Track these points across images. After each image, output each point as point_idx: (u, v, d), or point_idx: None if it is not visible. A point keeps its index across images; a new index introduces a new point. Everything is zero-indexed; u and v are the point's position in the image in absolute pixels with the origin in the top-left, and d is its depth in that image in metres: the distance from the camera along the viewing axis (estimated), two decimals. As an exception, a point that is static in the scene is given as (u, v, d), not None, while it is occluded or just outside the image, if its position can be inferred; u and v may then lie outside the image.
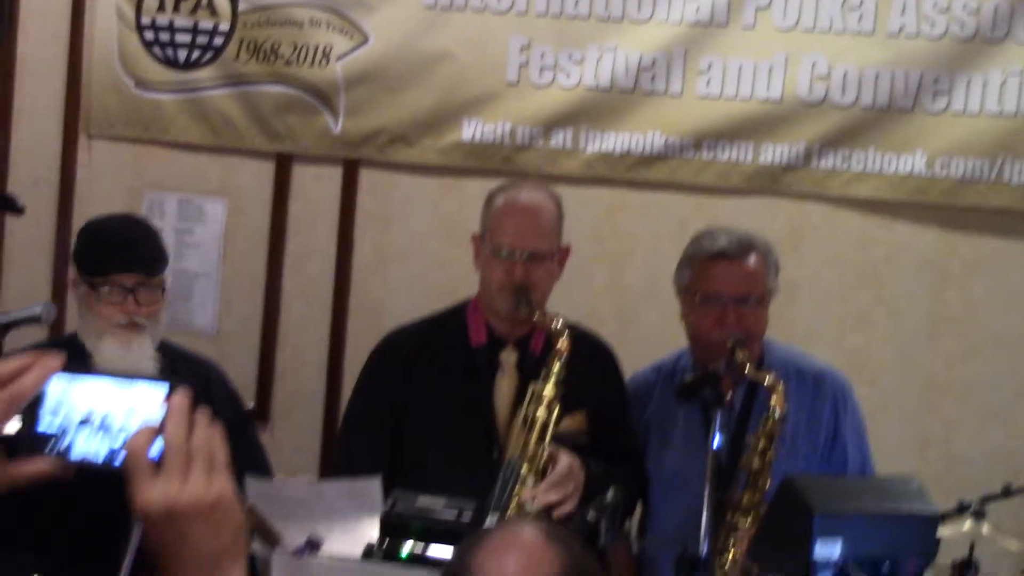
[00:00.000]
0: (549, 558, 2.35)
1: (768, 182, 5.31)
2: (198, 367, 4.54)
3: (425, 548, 3.30)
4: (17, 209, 4.48)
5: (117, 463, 1.73)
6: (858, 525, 3.34)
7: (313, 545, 3.32)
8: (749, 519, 4.00)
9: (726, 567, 3.93)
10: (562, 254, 4.22)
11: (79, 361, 4.21)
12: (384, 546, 3.30)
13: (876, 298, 5.30)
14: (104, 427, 1.76)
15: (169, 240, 5.63)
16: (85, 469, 1.78)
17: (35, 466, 1.76)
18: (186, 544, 1.67)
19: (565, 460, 3.92)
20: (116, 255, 4.25)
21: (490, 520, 3.09)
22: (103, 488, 3.13)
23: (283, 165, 5.70)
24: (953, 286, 5.24)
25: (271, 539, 3.29)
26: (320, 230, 5.68)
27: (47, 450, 1.76)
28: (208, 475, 1.70)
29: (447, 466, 4.07)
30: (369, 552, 3.30)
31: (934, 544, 3.45)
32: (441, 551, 3.29)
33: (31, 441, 1.76)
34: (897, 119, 5.18)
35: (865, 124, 5.21)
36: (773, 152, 5.29)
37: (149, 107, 5.73)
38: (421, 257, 5.60)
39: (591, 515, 3.57)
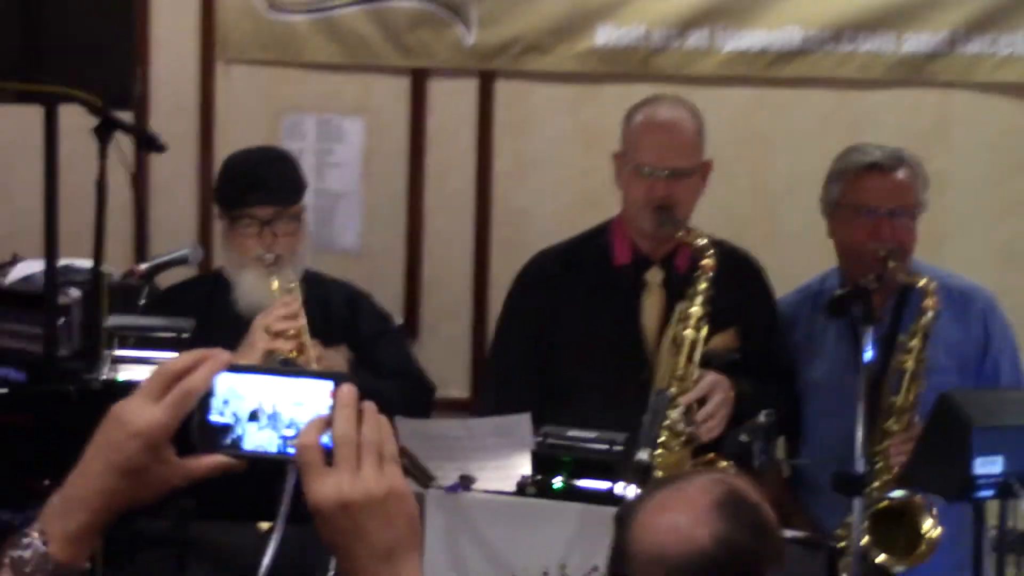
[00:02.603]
0: (706, 523, 2.27)
1: (912, 72, 5.19)
2: (343, 290, 4.60)
3: (577, 481, 3.30)
4: (159, 147, 4.54)
5: (290, 454, 1.74)
6: (1020, 439, 3.29)
7: (466, 482, 3.34)
8: (904, 421, 3.97)
9: (883, 484, 3.90)
10: (704, 168, 4.17)
11: (224, 293, 4.31)
12: (536, 480, 3.30)
13: (1028, 185, 5.18)
14: (273, 420, 1.77)
15: (310, 161, 5.65)
16: (258, 461, 1.79)
17: (211, 460, 1.78)
18: (360, 537, 1.68)
19: (709, 376, 3.91)
20: (250, 188, 4.31)
21: (640, 455, 3.08)
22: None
23: (418, 80, 5.67)
24: (1108, 169, 5.11)
25: (424, 478, 3.31)
26: (459, 143, 5.65)
27: (220, 442, 1.78)
28: (379, 467, 1.70)
29: (597, 388, 4.08)
30: (522, 487, 3.32)
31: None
32: (593, 483, 3.29)
33: (204, 433, 1.78)
34: (1045, -2, 5.03)
35: (1011, 5, 5.08)
36: (916, 40, 5.17)
37: (283, 29, 5.71)
38: (561, 165, 5.56)
39: (744, 436, 3.55)
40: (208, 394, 1.77)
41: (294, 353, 4.15)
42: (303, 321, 4.17)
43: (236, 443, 1.78)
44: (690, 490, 2.35)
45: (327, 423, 1.72)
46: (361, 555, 1.69)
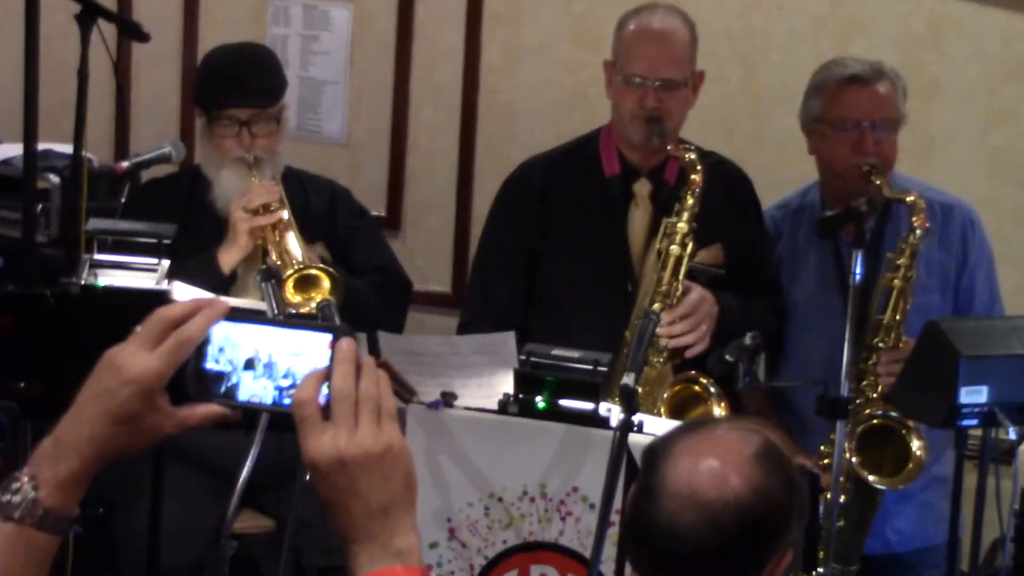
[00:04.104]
0: (745, 472, 2.23)
1: (909, -27, 5.11)
2: (322, 186, 4.58)
3: (560, 401, 3.27)
4: (142, 36, 4.47)
5: (285, 405, 1.72)
6: (1005, 369, 3.27)
7: (448, 398, 3.32)
8: (891, 338, 3.95)
9: (869, 400, 3.89)
10: (696, 80, 4.11)
11: (203, 191, 4.28)
12: (519, 399, 3.28)
13: (1021, 94, 5.11)
14: (270, 369, 1.74)
15: (295, 48, 5.58)
16: (252, 411, 1.77)
17: (205, 410, 1.75)
18: (356, 495, 1.66)
19: (695, 293, 3.87)
20: (229, 89, 4.30)
21: (626, 378, 3.04)
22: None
23: (408, -32, 5.58)
24: (1101, 81, 5.04)
25: (406, 394, 3.29)
26: (447, 34, 5.56)
27: (215, 391, 1.75)
28: (377, 424, 1.67)
29: (581, 298, 4.06)
30: (504, 405, 3.29)
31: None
32: (575, 404, 3.27)
33: (198, 381, 1.74)
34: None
35: (1012, -88, 4.98)
36: (916, -58, 5.08)
37: (270, -91, 5.61)
38: (550, 59, 5.47)
39: (729, 356, 3.52)
40: (204, 341, 1.75)
41: (276, 236, 4.14)
42: (282, 195, 4.18)
43: (231, 392, 1.75)
44: (729, 437, 2.30)
45: (325, 377, 1.69)
46: (356, 512, 1.67)
